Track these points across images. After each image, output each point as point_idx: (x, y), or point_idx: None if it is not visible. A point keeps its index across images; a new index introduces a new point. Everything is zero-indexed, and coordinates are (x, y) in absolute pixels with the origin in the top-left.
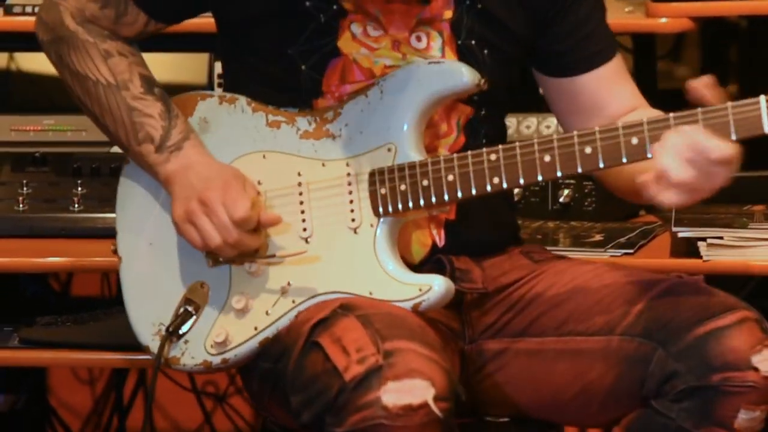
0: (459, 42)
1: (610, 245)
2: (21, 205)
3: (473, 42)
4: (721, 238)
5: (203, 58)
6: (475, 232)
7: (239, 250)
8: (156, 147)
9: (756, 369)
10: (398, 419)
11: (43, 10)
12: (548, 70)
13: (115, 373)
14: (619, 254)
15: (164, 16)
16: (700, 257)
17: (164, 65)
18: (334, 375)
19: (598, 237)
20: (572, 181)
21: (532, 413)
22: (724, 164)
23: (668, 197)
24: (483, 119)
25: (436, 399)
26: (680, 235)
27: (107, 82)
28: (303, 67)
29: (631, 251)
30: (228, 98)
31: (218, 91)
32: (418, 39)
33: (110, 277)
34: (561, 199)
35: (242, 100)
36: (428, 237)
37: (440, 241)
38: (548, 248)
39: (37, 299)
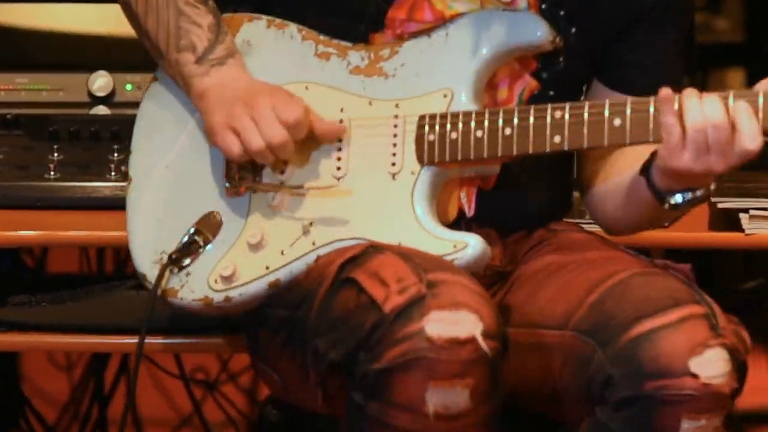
0: (543, 6)
1: None
2: None
3: (562, 13)
4: (765, 209)
5: None
6: (508, 207)
7: (282, 155)
8: (197, 58)
9: (694, 375)
10: (443, 352)
11: None
12: (609, 79)
13: (94, 359)
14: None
15: None
16: (742, 230)
17: None
18: (371, 308)
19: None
20: None
21: (522, 405)
22: (742, 156)
23: (673, 120)
24: (548, 101)
25: (485, 335)
26: (720, 205)
27: None
28: None
29: (666, 224)
30: (278, 23)
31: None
32: None
33: (89, 253)
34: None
35: (293, 26)
36: (456, 204)
37: (469, 211)
38: (574, 220)
39: (9, 276)
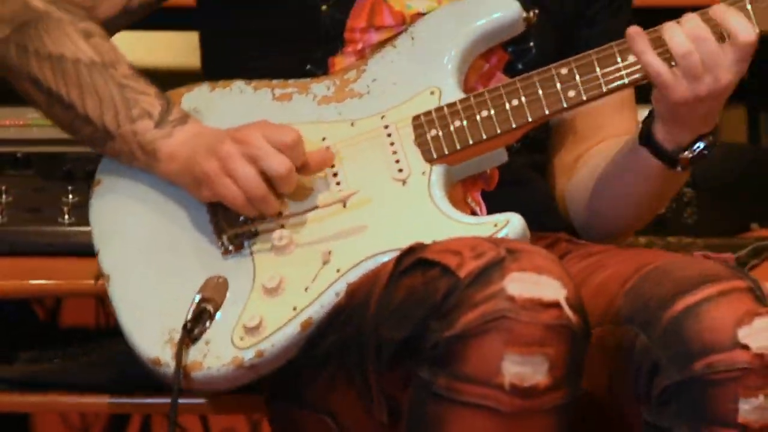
0: None
1: None
2: (0, 216)
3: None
4: None
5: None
6: (519, 207)
7: (286, 191)
8: (156, 122)
9: (745, 346)
10: (524, 313)
11: None
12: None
13: (113, 419)
14: None
15: None
16: None
17: (151, 45)
18: (443, 276)
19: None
20: None
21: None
22: (742, 55)
23: (657, 65)
24: None
25: (569, 303)
26: None
27: (90, 59)
28: (323, 6)
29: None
30: (221, 83)
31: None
32: None
33: (106, 303)
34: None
35: (238, 81)
36: (466, 209)
37: (482, 212)
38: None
39: (19, 330)
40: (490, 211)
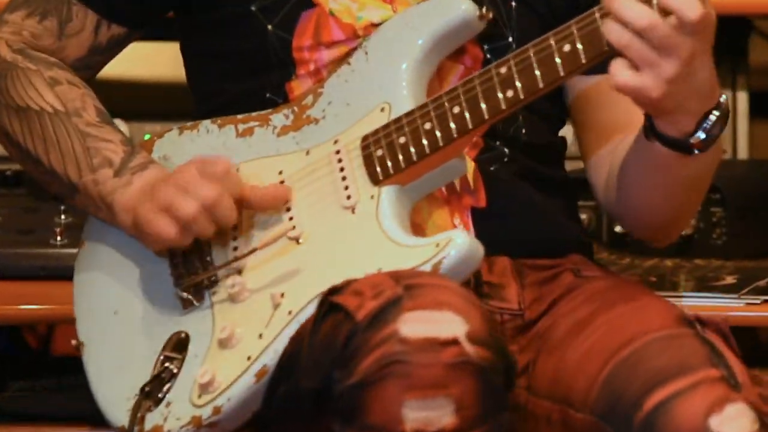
0: None
1: (746, 290)
2: None
3: None
4: None
5: None
6: (514, 223)
7: (222, 217)
8: (116, 171)
9: None
10: (420, 355)
11: None
12: None
13: None
14: (758, 302)
15: (115, 13)
16: None
17: (156, 55)
18: (345, 321)
19: (729, 279)
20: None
21: None
22: (688, 32)
23: (621, 77)
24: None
25: (470, 338)
26: None
27: (54, 109)
28: (269, 26)
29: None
30: (189, 126)
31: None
32: None
33: None
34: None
35: (205, 122)
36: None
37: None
38: (666, 294)
39: (9, 359)
40: (480, 234)
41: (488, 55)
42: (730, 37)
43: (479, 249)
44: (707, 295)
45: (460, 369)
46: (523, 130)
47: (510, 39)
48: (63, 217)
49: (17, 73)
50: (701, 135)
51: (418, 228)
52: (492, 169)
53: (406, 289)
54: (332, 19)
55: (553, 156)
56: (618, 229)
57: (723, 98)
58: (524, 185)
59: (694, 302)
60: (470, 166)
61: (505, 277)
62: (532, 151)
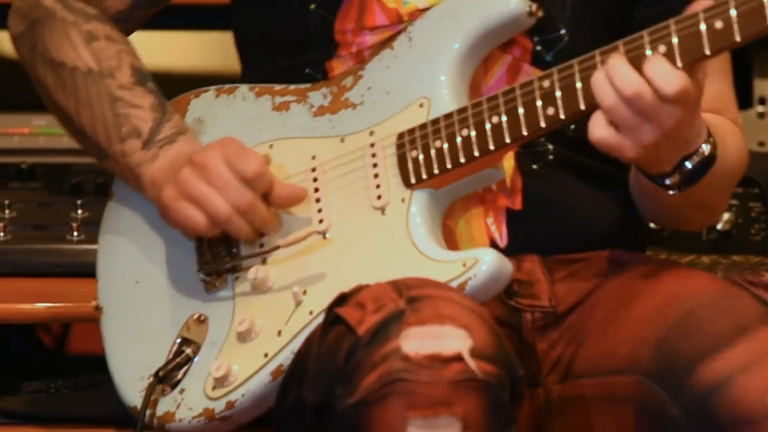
0: None
1: None
2: (2, 234)
3: None
4: None
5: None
6: (549, 225)
7: (255, 222)
8: (143, 142)
9: None
10: (422, 372)
11: None
12: None
13: None
14: None
15: None
16: None
17: (187, 46)
18: (347, 334)
19: None
20: (734, 202)
21: None
22: (670, 102)
23: (599, 132)
24: None
25: (474, 354)
26: None
27: (87, 68)
28: (312, 5)
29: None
30: (226, 89)
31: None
32: None
33: None
34: (719, 226)
35: (243, 87)
36: (484, 233)
37: (501, 240)
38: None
39: (23, 358)
40: (512, 237)
41: (538, 47)
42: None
43: (507, 269)
44: None
45: (465, 386)
46: (572, 126)
47: (563, 31)
48: (80, 212)
49: (54, 24)
50: (678, 177)
51: (448, 228)
52: (534, 167)
53: (408, 302)
54: (377, 3)
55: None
56: (653, 225)
57: (704, 147)
58: (566, 183)
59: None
60: (509, 164)
61: (534, 274)
62: (580, 146)
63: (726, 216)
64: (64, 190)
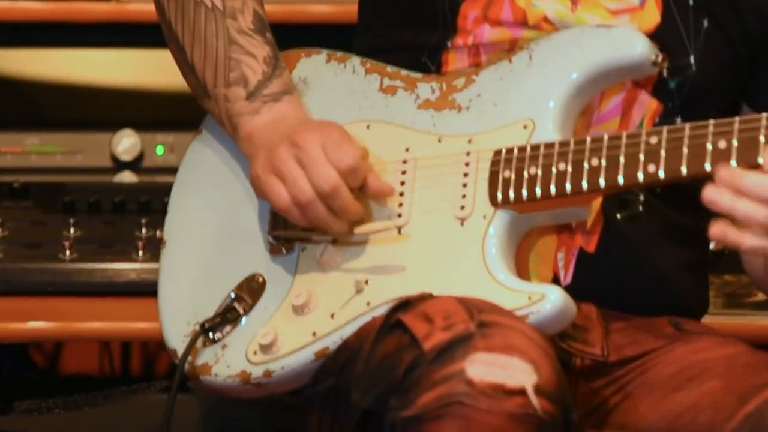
0: None
1: None
2: None
3: (691, 2)
4: None
5: None
6: (617, 277)
7: (336, 208)
8: (248, 93)
9: None
10: (483, 400)
11: None
12: (752, 97)
13: None
14: None
15: None
16: None
17: (170, 63)
18: (410, 347)
19: (760, 296)
20: None
21: None
22: None
23: (751, 242)
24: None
25: (538, 391)
26: None
27: (212, 4)
28: None
29: None
30: (338, 57)
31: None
32: None
33: (111, 348)
34: (711, 246)
35: (355, 59)
36: (550, 268)
37: (565, 278)
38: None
39: (16, 377)
40: (576, 278)
41: (664, 73)
42: None
43: (571, 311)
44: (737, 312)
45: (523, 421)
46: None
47: (692, 59)
48: (72, 230)
49: None
50: None
51: (519, 253)
52: (618, 216)
53: (479, 326)
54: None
55: (697, 202)
56: None
57: None
58: (647, 238)
59: (724, 319)
60: (595, 204)
61: (590, 320)
62: (673, 198)
63: None
64: (57, 209)
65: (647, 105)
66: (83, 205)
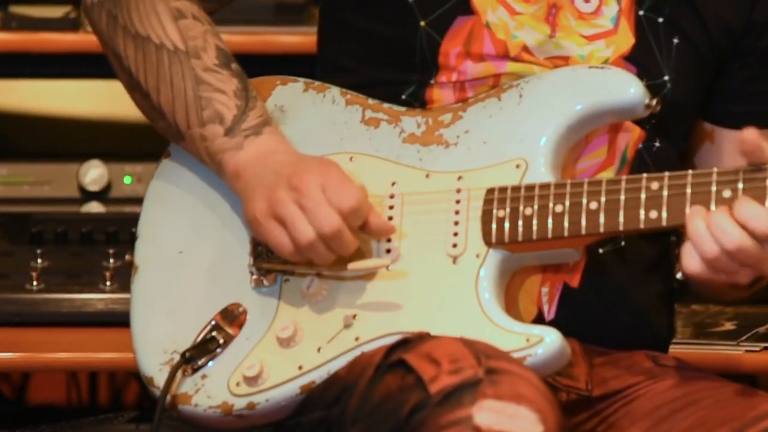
0: (641, 12)
1: (746, 336)
2: None
3: (660, 21)
4: None
5: None
6: (600, 312)
7: (336, 249)
8: (226, 129)
9: None
10: None
11: None
12: (716, 114)
13: None
14: (758, 349)
15: None
16: None
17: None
18: (415, 388)
19: (728, 325)
20: None
21: None
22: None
23: (693, 267)
24: (658, 151)
25: None
26: None
27: (174, 47)
28: (422, 23)
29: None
30: (316, 86)
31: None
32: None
33: (79, 379)
34: (679, 276)
35: (334, 89)
36: (535, 303)
37: (548, 313)
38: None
39: None
40: (560, 314)
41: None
42: None
43: (567, 354)
44: (705, 342)
45: None
46: None
47: (666, 78)
48: (39, 261)
49: None
50: (752, 284)
51: (508, 291)
52: (600, 251)
53: (487, 372)
54: (487, 32)
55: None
56: None
57: None
58: (629, 273)
59: (692, 349)
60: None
61: (574, 355)
62: (654, 236)
63: None
64: (24, 240)
65: (631, 131)
66: (50, 236)
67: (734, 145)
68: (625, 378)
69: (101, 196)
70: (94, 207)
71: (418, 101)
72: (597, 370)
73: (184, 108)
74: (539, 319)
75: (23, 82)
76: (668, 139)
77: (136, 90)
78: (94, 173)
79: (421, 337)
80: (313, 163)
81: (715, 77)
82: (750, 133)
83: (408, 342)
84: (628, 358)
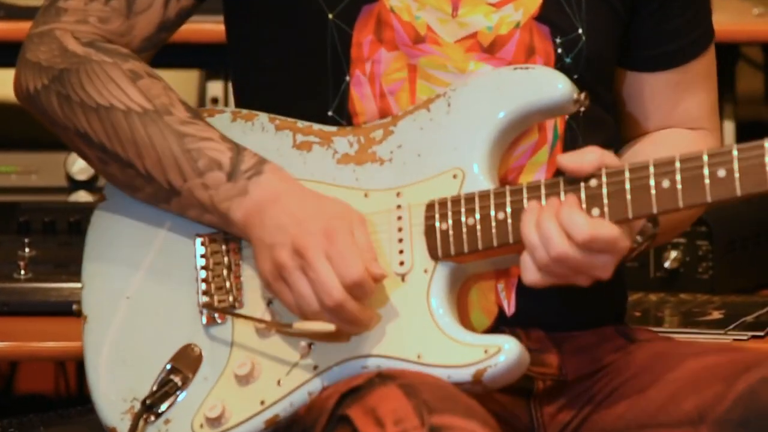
0: None
1: (733, 325)
2: None
3: None
4: None
5: (192, 75)
6: (557, 299)
7: (342, 320)
8: (228, 174)
9: None
10: None
11: (30, 50)
12: (638, 60)
13: None
14: (746, 338)
15: None
16: None
17: None
18: None
19: (716, 314)
20: (681, 240)
21: None
22: (602, 251)
23: (531, 277)
24: (585, 115)
25: None
26: None
27: (143, 108)
28: (330, 15)
29: (762, 333)
30: (244, 114)
31: (231, 107)
32: None
33: (67, 368)
34: (667, 264)
35: (262, 116)
36: (494, 302)
37: (509, 308)
38: (651, 329)
39: None
40: (520, 307)
41: (560, 50)
42: (717, 65)
43: (526, 361)
44: (693, 331)
45: None
46: None
47: (579, 31)
48: (27, 250)
49: (93, 68)
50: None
51: (459, 298)
52: None
53: (430, 431)
54: (393, 16)
55: None
56: None
57: (639, 238)
58: None
59: (680, 338)
60: None
61: (542, 343)
62: None
63: (673, 254)
64: (12, 229)
65: None
66: (38, 225)
67: (656, 87)
68: (599, 359)
69: (89, 185)
70: (82, 196)
71: (343, 115)
72: (568, 357)
73: (175, 164)
74: (501, 317)
75: (10, 71)
76: (593, 97)
77: (112, 163)
78: (81, 162)
79: (371, 384)
80: (319, 222)
81: (627, 25)
82: (562, 161)
83: (358, 390)
84: (599, 338)
